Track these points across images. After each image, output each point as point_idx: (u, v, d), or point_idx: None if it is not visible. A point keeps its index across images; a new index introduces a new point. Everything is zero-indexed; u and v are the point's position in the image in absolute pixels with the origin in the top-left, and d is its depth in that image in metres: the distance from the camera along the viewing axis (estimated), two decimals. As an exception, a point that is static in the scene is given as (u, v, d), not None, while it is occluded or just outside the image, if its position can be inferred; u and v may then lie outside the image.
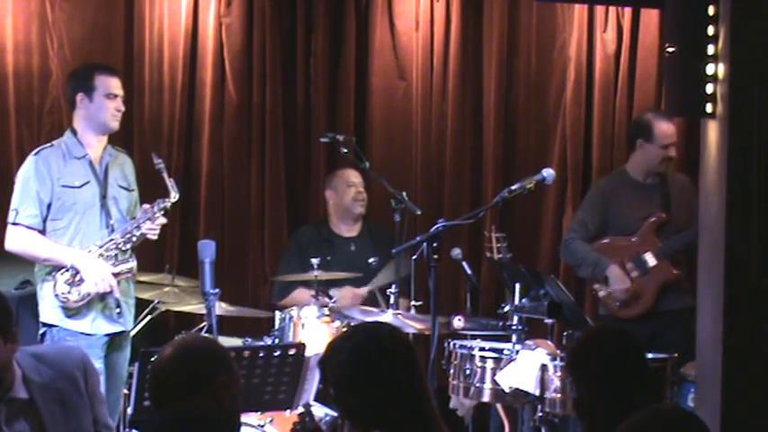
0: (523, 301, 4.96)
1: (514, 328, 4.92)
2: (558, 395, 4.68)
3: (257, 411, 4.63)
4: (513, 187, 5.14)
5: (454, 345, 4.99)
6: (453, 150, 6.64)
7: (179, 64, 6.41)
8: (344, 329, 4.72)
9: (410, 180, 6.55)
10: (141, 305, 5.50)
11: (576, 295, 5.92)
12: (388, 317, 5.26)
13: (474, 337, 5.14)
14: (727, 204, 4.20)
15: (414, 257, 5.17)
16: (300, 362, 4.35)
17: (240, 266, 6.51)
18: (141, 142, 6.31)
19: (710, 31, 4.25)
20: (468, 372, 4.87)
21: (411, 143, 6.65)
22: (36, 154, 5.10)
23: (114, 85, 5.18)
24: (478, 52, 6.64)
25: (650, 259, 5.73)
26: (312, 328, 5.36)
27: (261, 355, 4.27)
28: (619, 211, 5.81)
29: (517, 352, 4.83)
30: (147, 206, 5.15)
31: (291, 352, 4.33)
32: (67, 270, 4.98)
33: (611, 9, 6.49)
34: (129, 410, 5.21)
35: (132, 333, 5.30)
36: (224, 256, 6.02)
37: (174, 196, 5.17)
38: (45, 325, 5.04)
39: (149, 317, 5.72)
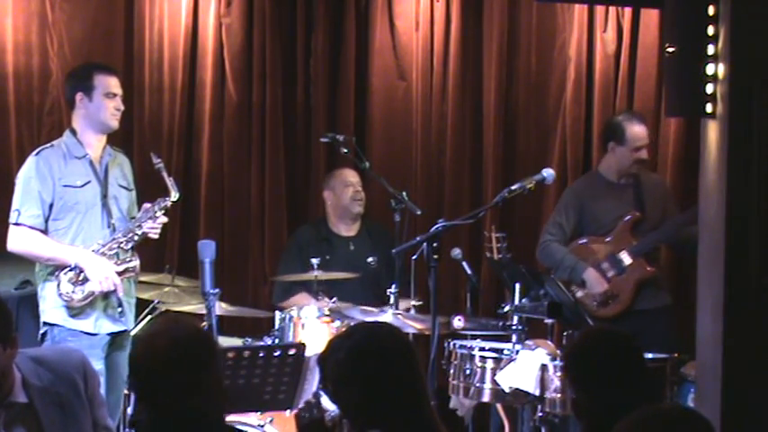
0: (523, 301, 4.96)
1: (514, 328, 4.93)
2: (558, 395, 4.68)
3: (257, 411, 4.63)
4: (513, 187, 5.14)
5: (454, 345, 4.99)
6: (453, 150, 6.64)
7: (179, 64, 6.41)
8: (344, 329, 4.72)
9: (410, 180, 6.55)
10: (141, 305, 5.50)
11: (576, 295, 5.92)
12: (388, 317, 5.26)
13: (474, 337, 5.15)
14: (727, 204, 4.19)
15: (414, 257, 5.17)
16: (300, 362, 4.34)
17: (240, 266, 6.51)
18: (141, 142, 6.32)
19: (710, 31, 4.25)
20: (468, 372, 4.88)
21: (411, 143, 6.66)
22: (37, 154, 5.10)
23: (113, 84, 5.18)
24: (478, 52, 6.64)
25: (626, 258, 5.76)
26: (312, 328, 5.36)
27: (261, 355, 4.27)
28: (594, 212, 5.83)
29: (517, 352, 4.83)
30: (147, 205, 5.15)
31: (291, 352, 4.33)
32: (71, 269, 4.98)
33: (611, 9, 6.49)
34: (129, 410, 5.23)
35: (132, 333, 5.30)
36: (224, 256, 6.02)
37: (175, 195, 5.17)
38: (47, 324, 5.04)
39: (149, 317, 5.72)
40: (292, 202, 6.61)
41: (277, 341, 5.36)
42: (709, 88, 4.27)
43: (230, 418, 4.10)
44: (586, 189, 5.92)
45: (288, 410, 4.47)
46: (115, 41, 6.39)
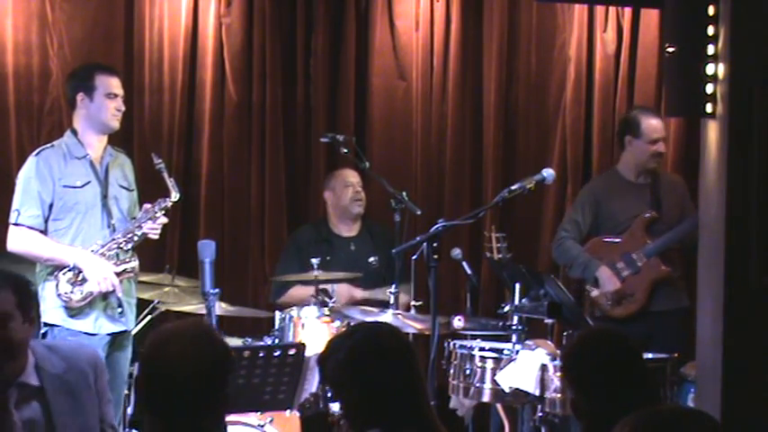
0: (523, 301, 4.96)
1: (514, 328, 4.92)
2: (558, 395, 4.68)
3: (257, 411, 4.64)
4: (513, 187, 5.14)
5: (454, 345, 4.99)
6: (453, 150, 6.64)
7: (179, 64, 6.41)
8: (344, 329, 4.72)
9: (410, 180, 6.55)
10: (141, 305, 5.50)
11: (576, 295, 5.92)
12: (388, 317, 5.26)
13: (474, 337, 5.14)
14: (727, 204, 4.20)
15: (414, 257, 5.17)
16: (300, 362, 4.34)
17: (240, 266, 6.51)
18: (141, 142, 6.31)
19: (710, 31, 4.26)
20: (468, 372, 4.87)
21: (411, 143, 6.66)
22: (37, 154, 5.10)
23: (114, 84, 5.18)
24: (478, 52, 6.64)
25: (640, 257, 5.74)
26: (312, 328, 5.36)
27: (261, 355, 4.27)
28: (610, 210, 5.82)
29: (517, 352, 4.83)
30: (148, 206, 5.16)
31: (291, 352, 4.33)
32: (70, 270, 4.98)
33: (611, 9, 6.50)
34: (130, 410, 5.24)
35: (132, 333, 5.30)
36: (224, 256, 6.02)
37: (175, 196, 5.17)
38: (46, 325, 5.03)
39: (149, 317, 5.72)
40: (292, 203, 6.61)
41: (277, 341, 5.36)
42: (709, 88, 4.27)
43: (230, 417, 4.10)
44: (604, 187, 5.91)
45: (288, 410, 4.47)
46: (115, 41, 6.38)
